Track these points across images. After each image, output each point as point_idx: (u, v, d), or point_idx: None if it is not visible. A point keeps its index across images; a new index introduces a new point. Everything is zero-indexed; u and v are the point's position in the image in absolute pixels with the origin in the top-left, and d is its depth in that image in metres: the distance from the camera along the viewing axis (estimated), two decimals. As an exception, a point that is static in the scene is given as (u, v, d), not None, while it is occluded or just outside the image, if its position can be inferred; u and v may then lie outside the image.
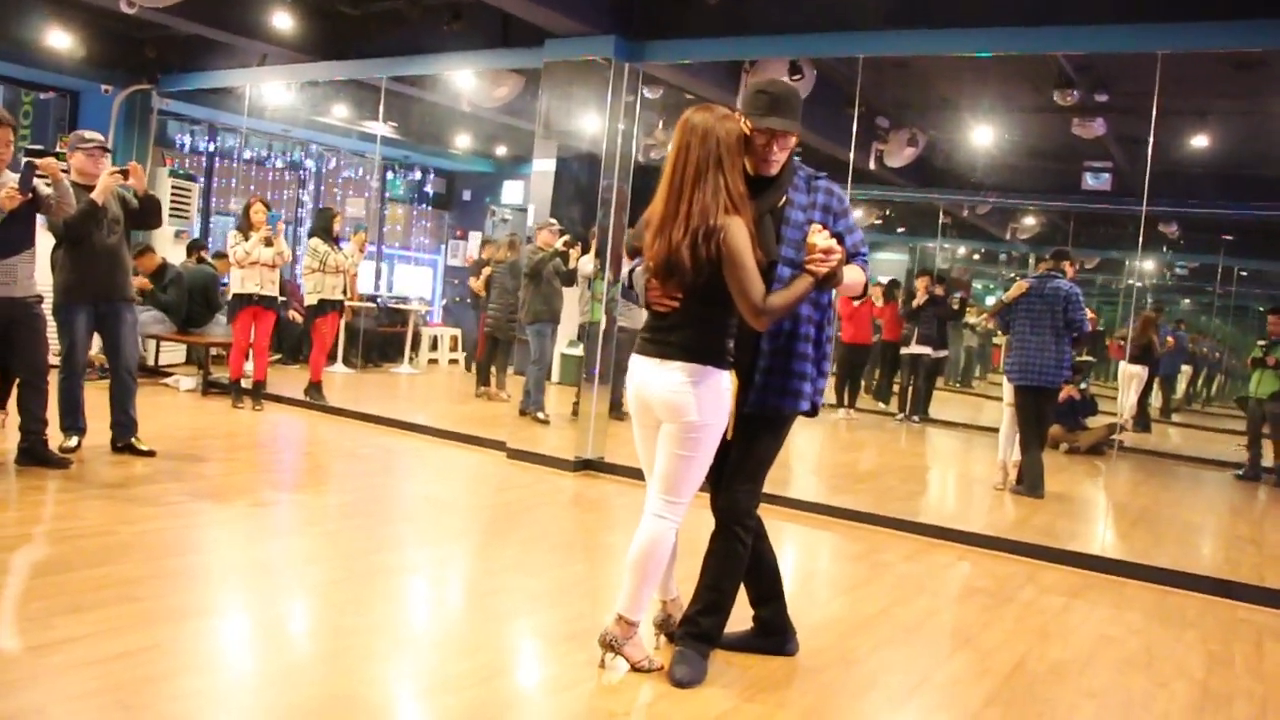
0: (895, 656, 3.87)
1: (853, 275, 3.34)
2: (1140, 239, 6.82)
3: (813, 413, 3.44)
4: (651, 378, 3.27)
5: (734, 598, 3.47)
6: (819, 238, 3.15)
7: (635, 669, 3.35)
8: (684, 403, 3.20)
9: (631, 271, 3.50)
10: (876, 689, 3.52)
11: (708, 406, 3.20)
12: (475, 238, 14.88)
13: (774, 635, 3.68)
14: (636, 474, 5.87)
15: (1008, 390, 7.55)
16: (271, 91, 10.68)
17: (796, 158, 3.39)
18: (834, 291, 3.35)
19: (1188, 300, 16.27)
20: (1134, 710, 3.56)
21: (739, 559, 3.41)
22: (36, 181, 5.25)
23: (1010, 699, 3.53)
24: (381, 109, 10.27)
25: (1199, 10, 5.51)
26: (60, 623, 3.32)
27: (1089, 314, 7.32)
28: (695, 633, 3.43)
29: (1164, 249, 13.44)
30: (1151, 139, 6.00)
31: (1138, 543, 6.47)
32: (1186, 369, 14.87)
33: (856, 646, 3.93)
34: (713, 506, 3.45)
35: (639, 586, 3.31)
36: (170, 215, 10.60)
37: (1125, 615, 4.76)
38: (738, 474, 3.40)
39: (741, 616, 3.60)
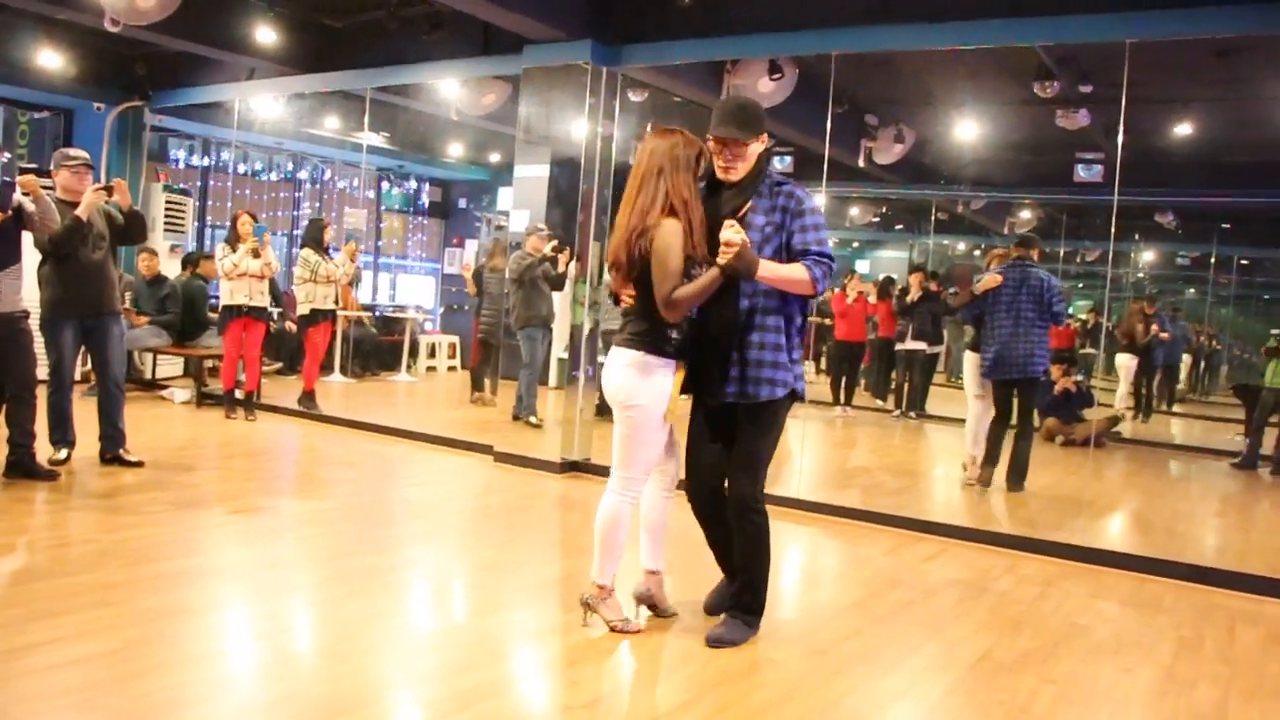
0: (862, 647, 3.90)
1: (787, 271, 3.50)
2: (1112, 230, 6.82)
3: (798, 398, 3.74)
4: (608, 365, 3.70)
5: (766, 570, 3.81)
6: (726, 231, 3.36)
7: (611, 629, 3.76)
8: (622, 385, 3.63)
9: None
10: (840, 678, 3.55)
11: (642, 389, 3.59)
12: (472, 245, 14.97)
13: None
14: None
15: (975, 382, 7.53)
16: (261, 105, 10.77)
17: (775, 165, 3.56)
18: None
19: (1192, 290, 16.26)
20: (1094, 696, 3.58)
21: (756, 537, 3.75)
22: (22, 199, 5.34)
23: (972, 688, 3.56)
24: (367, 119, 10.38)
25: (1166, -2, 5.54)
26: (33, 628, 3.39)
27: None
28: (738, 605, 3.82)
29: (1141, 239, 13.50)
30: (1122, 129, 6.02)
31: (1124, 532, 6.49)
32: (1187, 358, 14.87)
33: (824, 638, 3.97)
34: (728, 498, 3.76)
35: (602, 555, 3.79)
36: (165, 230, 10.73)
37: (1099, 604, 4.78)
38: (736, 467, 3.74)
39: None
